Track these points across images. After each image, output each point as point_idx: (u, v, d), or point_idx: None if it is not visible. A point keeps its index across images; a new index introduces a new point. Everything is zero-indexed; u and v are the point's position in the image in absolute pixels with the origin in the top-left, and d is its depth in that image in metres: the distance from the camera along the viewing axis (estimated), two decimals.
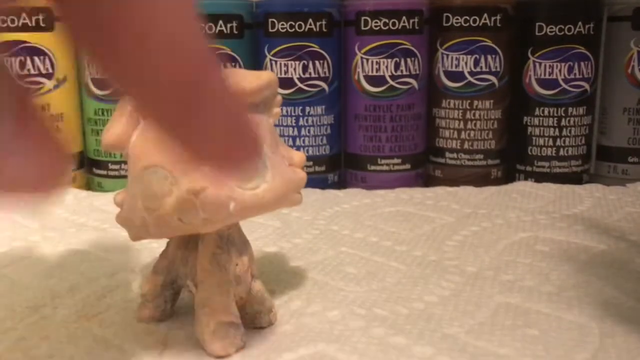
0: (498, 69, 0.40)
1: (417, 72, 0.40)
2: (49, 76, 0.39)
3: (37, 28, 0.38)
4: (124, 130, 0.20)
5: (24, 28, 0.38)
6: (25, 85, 0.16)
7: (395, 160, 0.41)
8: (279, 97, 0.21)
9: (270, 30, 0.39)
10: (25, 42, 0.38)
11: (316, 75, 0.39)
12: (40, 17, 0.38)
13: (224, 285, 0.19)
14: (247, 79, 0.20)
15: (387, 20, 0.39)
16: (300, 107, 0.40)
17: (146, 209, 0.19)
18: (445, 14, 0.40)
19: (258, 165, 0.19)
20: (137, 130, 0.20)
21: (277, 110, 0.21)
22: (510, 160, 0.42)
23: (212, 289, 0.19)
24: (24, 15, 0.37)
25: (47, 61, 0.38)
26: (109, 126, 0.20)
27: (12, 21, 0.37)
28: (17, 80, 0.14)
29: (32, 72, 0.38)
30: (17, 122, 0.13)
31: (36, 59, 0.38)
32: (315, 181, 0.41)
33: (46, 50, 0.38)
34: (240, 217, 0.19)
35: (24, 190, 0.15)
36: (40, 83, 0.39)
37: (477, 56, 0.39)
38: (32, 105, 0.14)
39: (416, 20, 0.39)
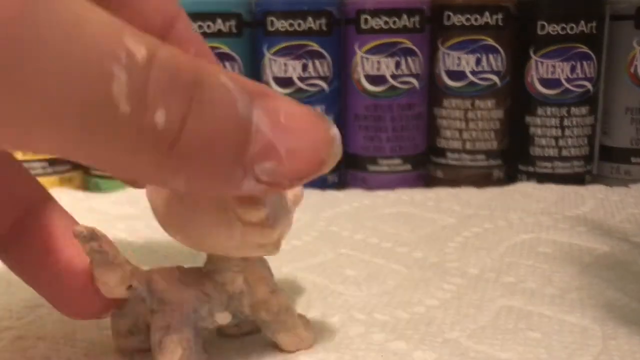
0: (500, 69, 0.40)
1: (418, 71, 0.40)
2: None
3: None
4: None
5: None
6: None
7: (396, 161, 0.41)
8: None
9: (270, 28, 0.39)
10: None
11: (316, 75, 0.39)
12: None
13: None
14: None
15: (387, 19, 0.38)
16: None
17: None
18: (446, 13, 0.39)
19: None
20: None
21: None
22: (512, 161, 0.42)
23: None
24: None
25: None
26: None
27: None
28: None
29: None
30: (272, 119, 0.14)
31: None
32: (315, 182, 0.40)
33: None
34: None
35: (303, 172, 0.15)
36: None
37: (479, 55, 0.39)
38: (279, 99, 0.14)
39: (417, 19, 0.39)
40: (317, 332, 0.21)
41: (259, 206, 0.16)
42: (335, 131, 0.15)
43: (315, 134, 0.14)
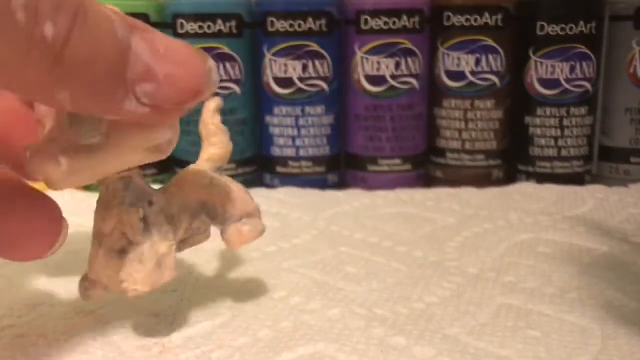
0: (499, 69, 0.40)
1: (418, 71, 0.40)
2: None
3: None
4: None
5: None
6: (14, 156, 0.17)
7: (396, 161, 0.41)
8: None
9: (270, 29, 0.39)
10: None
11: (316, 75, 0.39)
12: None
13: None
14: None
15: (387, 19, 0.39)
16: (300, 107, 0.40)
17: None
18: (446, 13, 0.39)
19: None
20: None
21: None
22: (511, 161, 0.42)
23: None
24: None
25: None
26: None
27: None
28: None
29: None
30: (151, 47, 0.15)
31: None
32: (315, 181, 0.40)
33: None
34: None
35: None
36: None
37: (479, 56, 0.39)
38: (158, 33, 0.16)
39: (417, 19, 0.39)
40: (317, 322, 0.21)
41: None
42: (211, 63, 0.16)
43: (192, 64, 0.16)
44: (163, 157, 0.18)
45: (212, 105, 0.22)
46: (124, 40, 0.15)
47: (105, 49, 0.14)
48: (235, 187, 0.21)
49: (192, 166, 0.21)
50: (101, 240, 0.19)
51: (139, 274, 0.19)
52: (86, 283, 0.20)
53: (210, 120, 0.22)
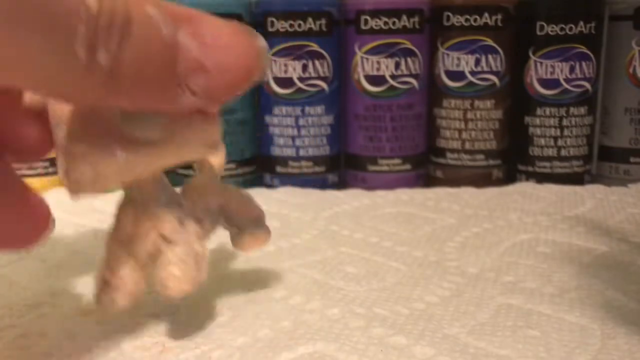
0: (499, 69, 0.40)
1: (418, 71, 0.40)
2: None
3: None
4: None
5: None
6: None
7: (396, 161, 0.41)
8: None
9: (270, 29, 0.39)
10: None
11: (316, 75, 0.39)
12: None
13: None
14: None
15: (387, 20, 0.39)
16: (300, 107, 0.40)
17: None
18: (446, 13, 0.39)
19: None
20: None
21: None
22: (511, 161, 0.42)
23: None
24: None
25: None
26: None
27: None
28: None
29: None
30: (199, 40, 0.15)
31: None
32: (315, 181, 0.40)
33: None
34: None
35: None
36: None
37: (478, 56, 0.39)
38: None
39: (417, 19, 0.39)
40: (317, 322, 0.21)
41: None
42: (261, 42, 0.16)
43: (241, 47, 0.16)
44: (214, 154, 0.18)
45: None
46: (170, 39, 0.15)
47: (154, 53, 0.14)
48: (245, 193, 0.22)
49: (198, 177, 0.22)
50: (131, 244, 0.19)
51: (183, 273, 0.18)
52: (109, 289, 0.19)
53: None
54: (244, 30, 0.16)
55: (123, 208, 0.19)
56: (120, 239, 0.19)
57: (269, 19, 0.39)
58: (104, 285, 0.19)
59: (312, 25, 0.39)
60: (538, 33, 0.39)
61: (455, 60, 0.40)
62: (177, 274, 0.18)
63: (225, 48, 0.16)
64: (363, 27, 0.39)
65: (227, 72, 0.16)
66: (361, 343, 0.20)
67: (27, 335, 0.21)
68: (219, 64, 0.15)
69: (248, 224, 0.22)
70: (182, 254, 0.19)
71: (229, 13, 0.38)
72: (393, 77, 0.39)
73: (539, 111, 0.40)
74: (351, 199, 0.37)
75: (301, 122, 0.40)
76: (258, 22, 0.39)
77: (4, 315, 0.22)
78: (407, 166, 0.41)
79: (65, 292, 0.24)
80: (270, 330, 0.21)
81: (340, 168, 0.42)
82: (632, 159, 0.41)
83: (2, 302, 0.23)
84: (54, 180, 0.39)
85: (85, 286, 0.24)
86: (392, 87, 0.40)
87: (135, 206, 0.19)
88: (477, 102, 0.40)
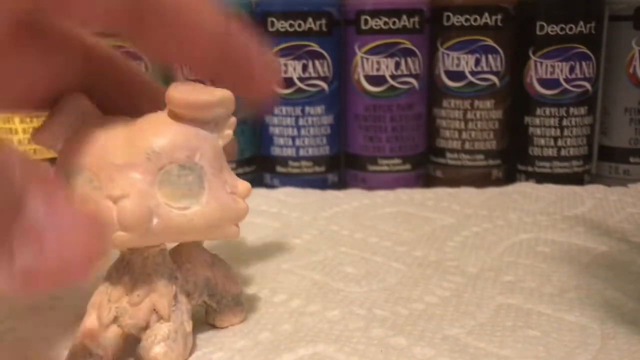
0: (499, 69, 0.40)
1: (418, 71, 0.40)
2: None
3: None
4: (57, 128, 0.19)
5: None
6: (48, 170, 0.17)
7: (396, 161, 0.41)
8: (233, 119, 0.20)
9: (270, 29, 0.39)
10: None
11: (316, 75, 0.39)
12: None
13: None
14: (198, 93, 0.18)
15: (387, 20, 0.39)
16: (300, 107, 0.40)
17: None
18: (445, 13, 0.39)
19: (192, 184, 0.18)
20: (73, 130, 0.19)
21: (228, 132, 0.20)
22: (511, 161, 0.42)
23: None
24: None
25: None
26: (46, 122, 0.19)
27: None
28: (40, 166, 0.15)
29: None
30: (47, 203, 0.14)
31: None
32: (315, 181, 0.41)
33: None
34: (161, 238, 0.18)
35: (65, 272, 0.15)
36: None
37: (478, 56, 0.39)
38: (60, 188, 0.15)
39: (416, 19, 0.39)
40: (317, 324, 0.21)
41: None
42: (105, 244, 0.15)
43: (85, 231, 0.14)
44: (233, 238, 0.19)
45: None
46: (16, 193, 0.13)
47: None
48: (229, 267, 0.21)
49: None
50: (118, 312, 0.18)
51: (173, 353, 0.18)
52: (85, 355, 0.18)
53: None
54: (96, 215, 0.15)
55: (117, 275, 0.19)
56: (104, 307, 0.19)
57: (269, 19, 0.39)
58: (76, 350, 0.19)
59: (312, 25, 0.39)
60: (538, 33, 0.39)
61: (455, 60, 0.40)
62: (167, 353, 0.18)
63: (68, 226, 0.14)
64: (363, 27, 0.39)
65: (63, 260, 0.14)
66: (361, 344, 0.20)
67: (28, 339, 0.20)
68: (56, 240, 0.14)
69: (228, 301, 0.21)
70: (172, 332, 0.18)
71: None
72: (393, 77, 0.39)
73: (538, 111, 0.40)
74: (351, 199, 0.37)
75: (301, 122, 0.40)
76: (259, 22, 0.39)
77: (5, 318, 0.22)
78: (407, 166, 0.41)
79: (65, 295, 0.24)
80: (270, 333, 0.21)
81: (340, 168, 0.42)
82: (631, 159, 0.41)
83: (3, 304, 0.23)
84: None
85: (85, 290, 0.24)
86: (392, 87, 0.40)
87: (133, 275, 0.19)
88: (477, 102, 0.40)
